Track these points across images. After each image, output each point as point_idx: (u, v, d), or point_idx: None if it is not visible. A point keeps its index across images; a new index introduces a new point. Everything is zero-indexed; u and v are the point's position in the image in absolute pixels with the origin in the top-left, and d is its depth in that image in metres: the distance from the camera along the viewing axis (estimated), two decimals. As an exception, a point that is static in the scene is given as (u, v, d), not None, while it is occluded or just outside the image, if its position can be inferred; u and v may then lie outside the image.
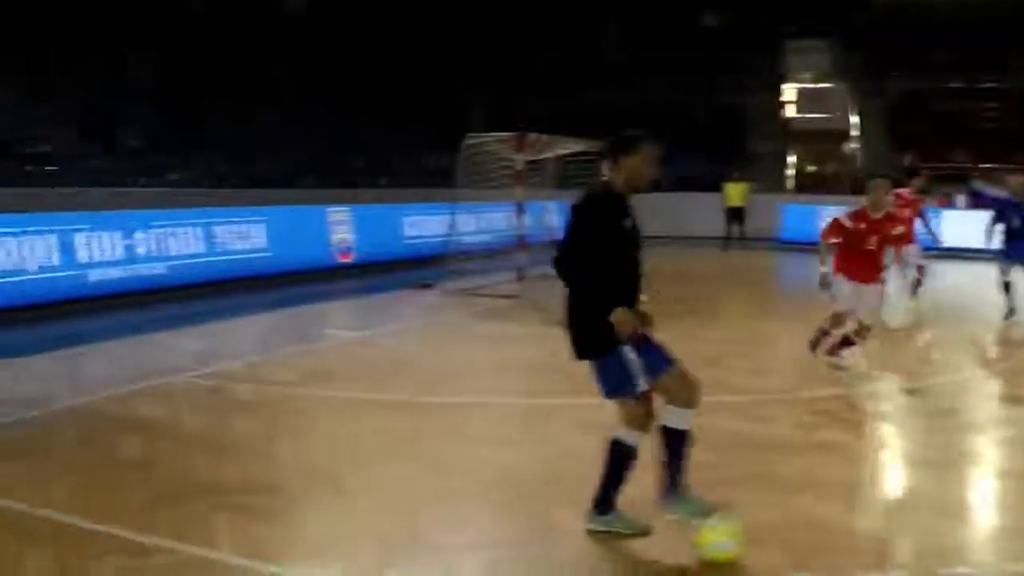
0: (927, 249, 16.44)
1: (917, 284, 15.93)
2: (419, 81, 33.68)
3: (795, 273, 24.45)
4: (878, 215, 10.42)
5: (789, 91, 39.13)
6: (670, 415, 5.93)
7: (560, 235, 5.90)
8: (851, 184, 28.45)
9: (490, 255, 21.13)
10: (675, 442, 5.97)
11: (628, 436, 6.00)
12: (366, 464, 7.58)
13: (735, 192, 29.32)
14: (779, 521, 6.26)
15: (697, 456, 7.05)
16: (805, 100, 38.43)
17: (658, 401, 6.00)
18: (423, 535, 6.09)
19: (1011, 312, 14.40)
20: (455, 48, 35.37)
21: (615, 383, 5.87)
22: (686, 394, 5.92)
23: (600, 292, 5.69)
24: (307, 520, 6.41)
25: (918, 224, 15.88)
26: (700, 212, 30.54)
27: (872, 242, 10.43)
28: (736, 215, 29.22)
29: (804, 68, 39.47)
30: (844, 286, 10.58)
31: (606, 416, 6.19)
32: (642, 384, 5.83)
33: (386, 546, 5.93)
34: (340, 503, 6.72)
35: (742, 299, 19.91)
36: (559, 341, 6.11)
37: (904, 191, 15.73)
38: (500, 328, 14.38)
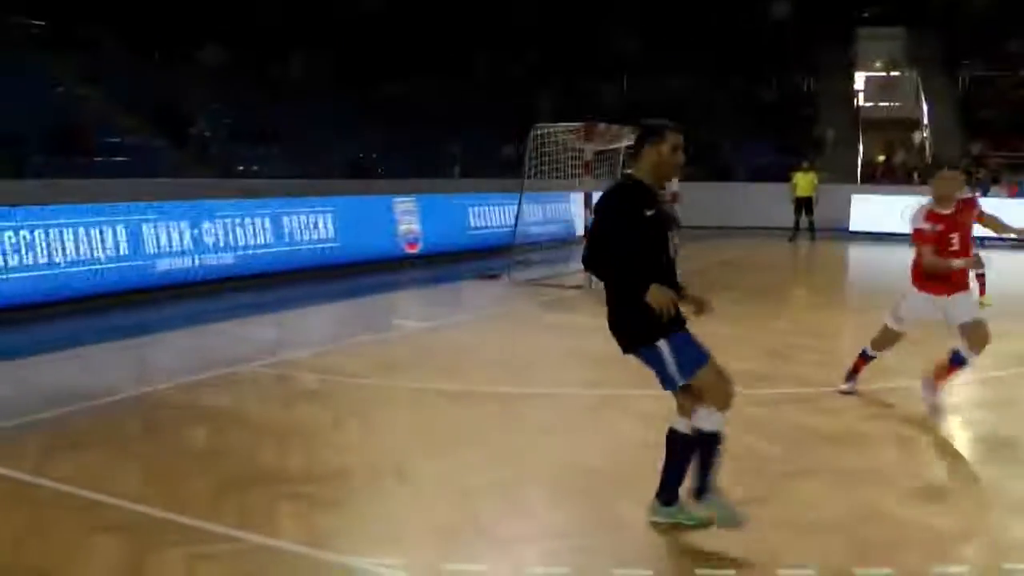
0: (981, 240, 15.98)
1: (982, 278, 15.54)
2: (488, 70, 33.75)
3: (864, 264, 24.17)
4: (948, 210, 8.87)
5: (860, 79, 38.64)
6: (700, 418, 5.85)
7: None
8: (921, 174, 28.11)
9: (557, 246, 21.13)
10: (707, 445, 5.87)
11: (684, 426, 5.94)
12: (430, 454, 7.59)
13: (804, 182, 28.94)
14: (844, 514, 6.18)
15: (763, 449, 7.00)
16: (875, 88, 37.90)
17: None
18: (486, 525, 6.08)
19: None
20: (523, 37, 35.41)
21: (660, 376, 5.83)
22: (722, 391, 5.80)
23: (630, 281, 5.63)
24: (371, 510, 6.42)
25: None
26: (769, 202, 30.23)
27: (955, 242, 8.90)
28: (804, 205, 28.84)
29: (875, 56, 38.98)
30: (915, 300, 9.11)
31: (670, 408, 6.14)
32: (680, 381, 5.77)
33: (448, 536, 5.93)
34: (404, 493, 6.72)
35: (809, 290, 19.72)
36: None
37: None
38: (566, 319, 14.34)
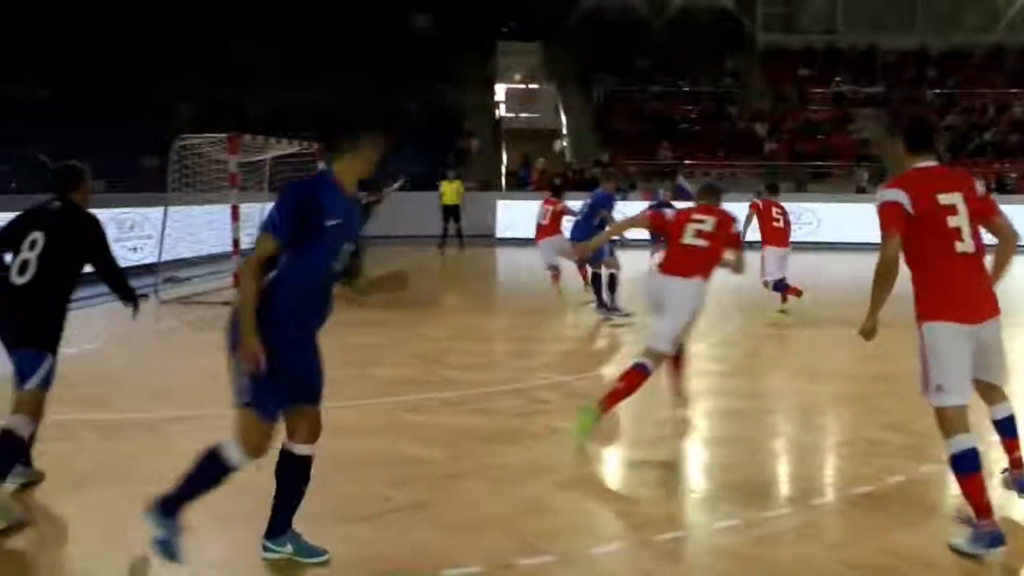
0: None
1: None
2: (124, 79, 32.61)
3: (512, 268, 24.90)
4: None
5: (500, 91, 40.10)
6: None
7: None
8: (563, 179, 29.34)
9: (207, 261, 20.65)
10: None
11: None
12: (78, 489, 7.06)
13: (450, 190, 29.47)
14: (506, 510, 6.28)
15: (421, 453, 7.05)
16: (516, 100, 39.42)
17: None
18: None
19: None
20: (157, 45, 34.41)
21: None
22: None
23: None
24: (11, 557, 5.93)
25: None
26: (417, 211, 30.60)
27: None
28: (452, 213, 29.35)
29: (514, 69, 40.67)
30: None
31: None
32: None
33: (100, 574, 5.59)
34: (49, 532, 6.30)
35: (460, 295, 20.09)
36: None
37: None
38: (217, 337, 13.68)
